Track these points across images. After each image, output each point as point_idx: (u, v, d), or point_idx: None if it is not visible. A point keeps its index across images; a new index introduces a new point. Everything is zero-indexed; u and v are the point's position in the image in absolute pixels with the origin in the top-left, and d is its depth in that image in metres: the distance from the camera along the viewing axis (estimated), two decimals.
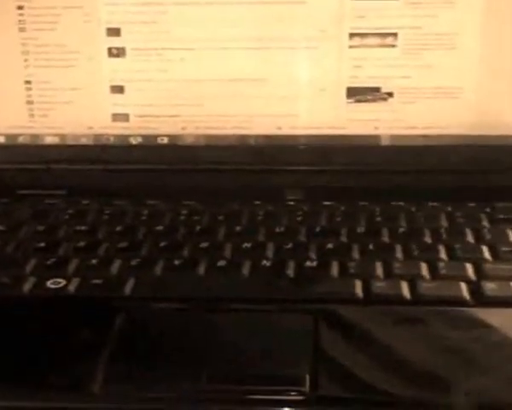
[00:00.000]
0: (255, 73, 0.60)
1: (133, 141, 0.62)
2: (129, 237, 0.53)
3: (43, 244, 0.52)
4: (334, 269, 0.48)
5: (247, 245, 0.51)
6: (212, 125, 0.61)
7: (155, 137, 0.61)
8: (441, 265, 0.48)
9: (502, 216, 0.54)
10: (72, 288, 0.47)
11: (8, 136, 0.62)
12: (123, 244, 0.52)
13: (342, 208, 0.56)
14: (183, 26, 0.59)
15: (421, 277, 0.47)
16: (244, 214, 0.56)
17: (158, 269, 0.49)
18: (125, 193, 0.59)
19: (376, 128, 0.60)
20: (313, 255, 0.50)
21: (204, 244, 0.51)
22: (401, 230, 0.53)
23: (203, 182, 0.60)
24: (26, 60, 0.60)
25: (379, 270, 0.48)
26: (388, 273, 0.47)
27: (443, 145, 0.60)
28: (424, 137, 0.60)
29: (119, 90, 0.60)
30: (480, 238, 0.51)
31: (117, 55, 0.60)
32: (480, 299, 0.45)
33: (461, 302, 0.45)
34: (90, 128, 0.62)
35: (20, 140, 0.62)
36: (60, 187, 0.60)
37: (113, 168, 0.61)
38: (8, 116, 0.61)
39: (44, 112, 0.61)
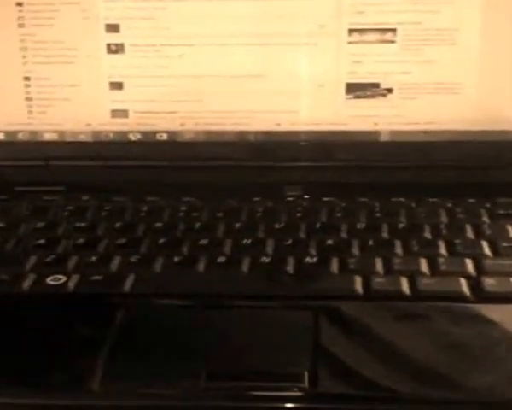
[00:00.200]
0: (254, 69, 0.59)
1: (132, 137, 0.62)
2: (128, 233, 0.53)
3: (42, 241, 0.52)
4: (334, 265, 0.48)
5: (246, 241, 0.51)
6: (212, 121, 0.61)
7: (154, 133, 0.61)
8: (441, 260, 0.48)
9: (502, 212, 0.54)
10: (71, 284, 0.47)
11: (6, 132, 0.62)
12: (122, 241, 0.52)
13: (342, 204, 0.56)
14: (182, 22, 0.59)
15: (421, 272, 0.47)
16: (244, 211, 0.56)
17: (158, 266, 0.49)
18: (125, 189, 0.59)
19: (376, 124, 0.60)
20: (313, 251, 0.50)
21: (203, 241, 0.51)
22: (401, 225, 0.53)
23: (202, 178, 0.60)
24: (24, 56, 0.60)
25: (379, 266, 0.48)
26: (388, 269, 0.47)
27: (443, 141, 0.60)
28: (424, 132, 0.60)
29: (118, 86, 0.60)
30: (480, 234, 0.51)
31: (116, 52, 0.59)
32: (479, 295, 0.45)
33: (461, 298, 0.45)
34: (89, 124, 0.61)
35: (19, 137, 0.62)
36: (59, 184, 0.60)
37: (113, 165, 0.61)
38: (7, 113, 0.61)
39: (43, 108, 0.61)
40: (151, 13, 0.58)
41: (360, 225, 0.53)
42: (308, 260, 0.49)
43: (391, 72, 0.59)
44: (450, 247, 0.50)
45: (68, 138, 0.62)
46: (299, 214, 0.55)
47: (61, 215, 0.56)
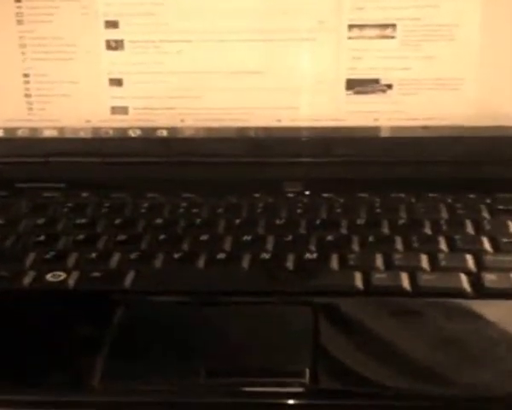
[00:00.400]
0: (254, 65, 0.59)
1: (132, 134, 0.61)
2: (128, 230, 0.53)
3: (42, 238, 0.52)
4: (334, 261, 0.48)
5: (246, 238, 0.51)
6: (211, 117, 0.61)
7: (154, 129, 0.61)
8: (441, 256, 0.48)
9: (502, 207, 0.54)
10: (71, 281, 0.47)
11: (6, 129, 0.62)
12: (122, 237, 0.52)
13: (342, 200, 0.56)
14: (182, 19, 0.58)
15: (422, 268, 0.47)
16: (244, 207, 0.55)
17: (157, 262, 0.49)
18: (124, 186, 0.59)
19: (376, 120, 0.60)
20: (313, 248, 0.50)
21: (203, 237, 0.51)
22: (401, 221, 0.53)
23: (202, 174, 0.60)
24: (23, 53, 0.60)
25: (379, 262, 0.48)
26: (388, 265, 0.47)
27: (443, 136, 0.60)
28: (424, 128, 0.60)
29: (117, 82, 0.60)
30: (480, 229, 0.51)
31: (115, 48, 0.59)
32: (480, 290, 0.45)
33: (461, 294, 0.45)
34: (89, 121, 0.61)
35: (19, 133, 0.62)
36: (59, 180, 0.60)
37: (112, 161, 0.61)
38: (7, 109, 0.61)
39: (43, 105, 0.61)
40: (150, 9, 0.58)
41: (360, 221, 0.53)
42: (308, 256, 0.49)
43: (391, 67, 0.59)
44: (451, 242, 0.50)
45: (68, 135, 0.62)
46: (299, 210, 0.55)
47: (60, 212, 0.56)
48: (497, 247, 0.49)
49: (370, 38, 0.58)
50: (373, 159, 0.60)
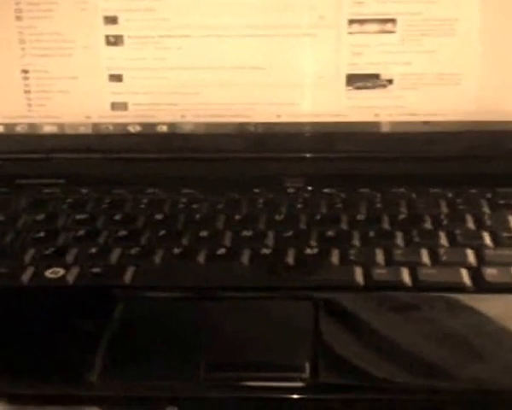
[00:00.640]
0: (254, 60, 0.59)
1: (132, 129, 0.61)
2: (128, 225, 0.53)
3: (42, 234, 0.52)
4: (335, 256, 0.48)
5: (246, 233, 0.51)
6: (211, 113, 0.61)
7: (154, 125, 0.61)
8: (442, 251, 0.48)
9: (502, 202, 0.54)
10: (71, 277, 0.47)
11: (6, 125, 0.62)
12: (122, 233, 0.52)
13: (342, 196, 0.56)
14: (181, 14, 0.58)
15: (422, 263, 0.47)
16: (244, 202, 0.55)
17: (157, 258, 0.49)
18: (124, 182, 0.58)
19: (376, 115, 0.60)
20: (314, 243, 0.50)
21: (203, 233, 0.51)
22: (402, 216, 0.53)
23: (202, 170, 0.60)
24: (23, 49, 0.60)
25: (379, 257, 0.48)
26: (389, 260, 0.47)
27: (443, 132, 0.60)
28: (424, 123, 0.60)
29: (117, 78, 0.60)
30: (480, 224, 0.51)
31: (114, 44, 0.59)
32: (480, 285, 0.45)
33: (462, 288, 0.45)
34: (89, 117, 0.61)
35: (19, 129, 0.62)
36: (59, 176, 0.60)
37: (112, 157, 0.61)
38: (6, 106, 0.61)
39: (42, 101, 0.61)
40: (150, 4, 0.58)
41: (361, 217, 0.53)
42: (309, 251, 0.49)
43: (391, 62, 0.58)
44: (451, 237, 0.50)
45: (68, 131, 0.62)
46: (299, 206, 0.55)
47: (60, 208, 0.56)
48: (497, 241, 0.49)
49: (371, 32, 0.58)
50: (373, 154, 0.60)
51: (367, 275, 0.46)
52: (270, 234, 0.51)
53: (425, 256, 0.47)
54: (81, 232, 0.52)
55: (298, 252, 0.49)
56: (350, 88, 0.59)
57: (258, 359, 0.39)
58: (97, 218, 0.54)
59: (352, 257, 0.48)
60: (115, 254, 0.49)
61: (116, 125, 0.61)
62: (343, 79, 0.59)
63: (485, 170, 0.58)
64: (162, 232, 0.51)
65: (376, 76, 0.59)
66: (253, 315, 0.43)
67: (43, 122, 0.61)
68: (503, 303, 0.43)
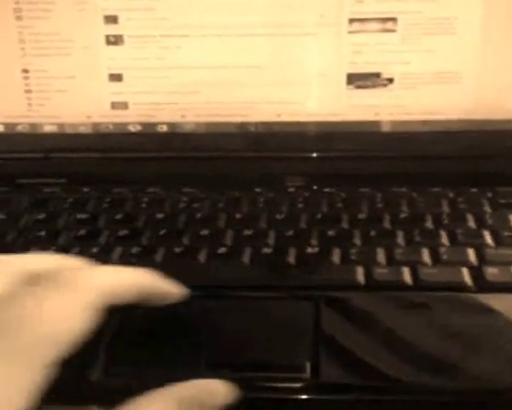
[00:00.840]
0: (254, 60, 0.59)
1: (132, 129, 0.61)
2: (129, 224, 0.53)
3: (43, 233, 0.52)
4: (336, 255, 0.48)
5: (247, 232, 0.51)
6: (212, 112, 0.61)
7: (155, 124, 0.61)
8: (443, 250, 0.48)
9: (503, 201, 0.54)
10: None
11: (6, 125, 0.62)
12: (123, 232, 0.52)
13: (343, 195, 0.56)
14: (182, 13, 0.58)
15: (423, 262, 0.47)
16: (245, 201, 0.55)
17: (158, 257, 0.49)
18: (125, 181, 0.58)
19: (377, 114, 0.60)
20: (314, 242, 0.50)
21: (204, 232, 0.51)
22: (402, 216, 0.53)
23: (203, 169, 0.60)
24: (23, 49, 0.60)
25: (380, 256, 0.48)
26: (390, 259, 0.47)
27: (444, 131, 0.59)
28: (425, 122, 0.60)
29: (117, 78, 0.60)
30: (481, 223, 0.51)
31: (115, 43, 0.59)
32: (481, 284, 0.45)
33: (463, 288, 0.45)
34: (89, 117, 0.61)
35: (19, 129, 0.62)
36: (59, 176, 0.60)
37: (113, 156, 0.61)
38: (7, 105, 0.61)
39: (43, 101, 0.61)
40: (150, 3, 0.58)
41: (361, 216, 0.53)
42: (310, 250, 0.49)
43: (392, 61, 0.58)
44: (452, 237, 0.49)
45: (68, 130, 0.62)
46: (300, 205, 0.55)
47: (61, 207, 0.56)
48: (498, 240, 0.49)
49: (371, 31, 0.58)
50: (374, 153, 0.60)
51: (368, 274, 0.46)
52: (271, 233, 0.51)
53: (426, 255, 0.47)
54: (82, 232, 0.52)
55: (299, 251, 0.48)
56: (350, 87, 0.59)
57: (258, 358, 0.39)
58: (98, 217, 0.54)
59: (352, 256, 0.48)
60: (116, 254, 0.49)
61: (116, 124, 0.61)
62: (343, 78, 0.59)
63: (486, 169, 0.58)
64: (163, 231, 0.51)
65: (377, 75, 0.59)
66: (253, 314, 0.43)
67: (43, 122, 0.61)
68: (504, 302, 0.43)
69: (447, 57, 0.58)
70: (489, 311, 0.42)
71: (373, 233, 0.50)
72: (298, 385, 0.38)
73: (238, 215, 0.53)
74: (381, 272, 0.46)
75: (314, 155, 0.60)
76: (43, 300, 0.30)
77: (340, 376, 0.39)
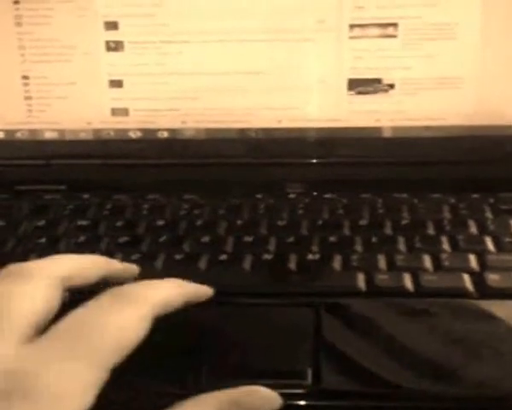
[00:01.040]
0: (255, 65, 0.59)
1: (133, 135, 0.61)
2: (129, 231, 0.53)
3: (43, 240, 0.52)
4: (337, 262, 0.48)
5: (248, 239, 0.51)
6: (212, 118, 0.61)
7: (155, 131, 0.61)
8: (444, 256, 0.48)
9: (505, 207, 0.54)
10: None
11: (6, 131, 0.62)
12: (123, 239, 0.51)
13: (344, 201, 0.56)
14: (182, 19, 0.58)
15: (424, 269, 0.47)
16: (245, 208, 0.55)
17: (159, 264, 0.48)
18: (125, 188, 0.58)
19: (378, 120, 0.60)
20: (315, 248, 0.50)
21: (205, 238, 0.51)
22: (404, 222, 0.53)
23: (204, 176, 0.60)
24: (23, 55, 0.60)
25: (381, 262, 0.47)
26: (391, 265, 0.47)
27: (445, 136, 0.59)
28: (426, 128, 0.59)
29: (117, 84, 0.60)
30: (483, 229, 0.51)
31: (115, 49, 0.59)
32: (483, 290, 0.45)
33: (464, 294, 0.44)
34: (90, 123, 0.61)
35: (19, 136, 0.62)
36: (59, 182, 0.60)
37: (113, 163, 0.61)
38: (7, 112, 0.61)
39: (43, 107, 0.61)
40: (150, 10, 0.58)
41: (362, 222, 0.53)
42: (310, 256, 0.49)
43: (393, 67, 0.58)
44: (454, 243, 0.49)
45: (68, 137, 0.62)
46: (301, 211, 0.55)
47: (61, 214, 0.56)
48: (500, 247, 0.49)
49: (372, 37, 0.58)
50: (375, 159, 0.60)
51: (369, 281, 0.46)
52: (272, 240, 0.51)
53: (427, 262, 0.47)
54: (82, 238, 0.52)
55: (300, 257, 0.48)
56: (351, 93, 0.59)
57: (259, 365, 0.39)
58: (98, 224, 0.54)
59: (353, 263, 0.48)
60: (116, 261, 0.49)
61: (117, 130, 0.61)
62: (344, 84, 0.59)
63: (488, 175, 0.58)
64: (163, 238, 0.51)
65: (378, 81, 0.59)
66: (254, 321, 0.43)
67: (43, 128, 0.61)
68: (505, 309, 0.43)
69: (448, 63, 0.58)
70: (490, 317, 0.42)
71: (374, 239, 0.50)
72: (299, 392, 0.38)
73: (239, 222, 0.53)
74: (382, 278, 0.46)
75: (315, 161, 0.60)
76: (109, 309, 0.33)
77: (342, 382, 0.38)
